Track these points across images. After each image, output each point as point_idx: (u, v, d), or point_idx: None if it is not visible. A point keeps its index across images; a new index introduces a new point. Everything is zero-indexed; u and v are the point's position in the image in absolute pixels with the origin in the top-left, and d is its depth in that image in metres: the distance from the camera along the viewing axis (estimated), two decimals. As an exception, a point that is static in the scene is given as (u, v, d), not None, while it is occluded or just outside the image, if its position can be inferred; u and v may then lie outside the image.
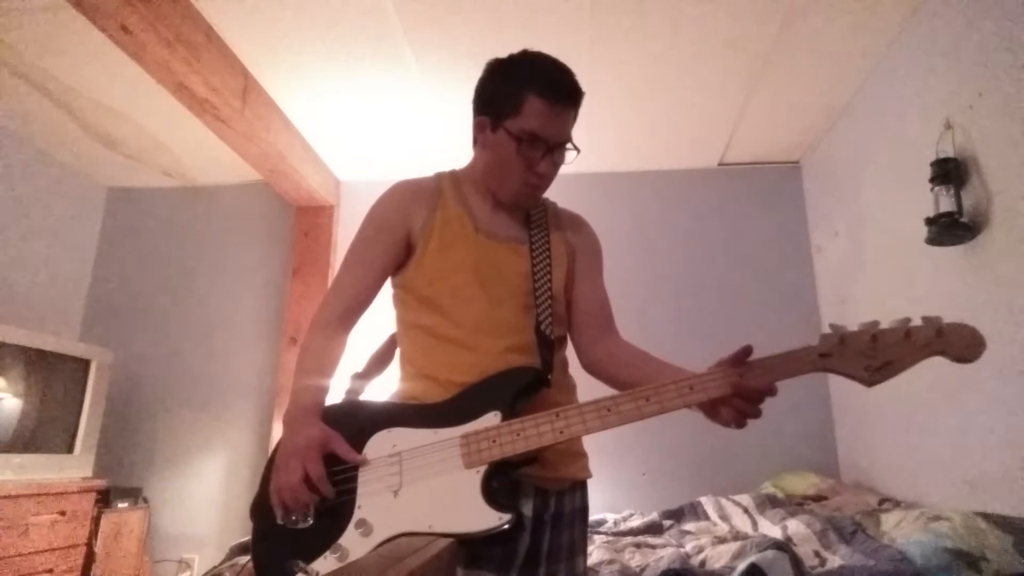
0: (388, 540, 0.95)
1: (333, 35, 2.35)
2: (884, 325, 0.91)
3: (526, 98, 1.08)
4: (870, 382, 0.91)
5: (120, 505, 2.69)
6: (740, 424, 0.95)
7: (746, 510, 2.27)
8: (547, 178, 1.15)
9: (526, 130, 1.09)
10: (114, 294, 3.39)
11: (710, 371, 0.97)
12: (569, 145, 1.14)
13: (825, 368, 0.92)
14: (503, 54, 1.17)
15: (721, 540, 1.92)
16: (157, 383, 3.24)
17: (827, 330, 0.94)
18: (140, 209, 3.52)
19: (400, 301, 1.20)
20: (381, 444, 1.03)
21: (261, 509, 1.05)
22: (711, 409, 0.98)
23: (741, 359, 0.95)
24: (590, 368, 1.21)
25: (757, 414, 0.94)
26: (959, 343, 0.87)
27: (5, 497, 2.17)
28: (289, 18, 2.26)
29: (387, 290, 1.22)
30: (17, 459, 2.38)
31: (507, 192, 1.17)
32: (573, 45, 2.38)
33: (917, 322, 0.89)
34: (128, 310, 3.36)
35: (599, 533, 2.29)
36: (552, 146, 1.11)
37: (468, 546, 0.96)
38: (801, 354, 0.93)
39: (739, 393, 0.93)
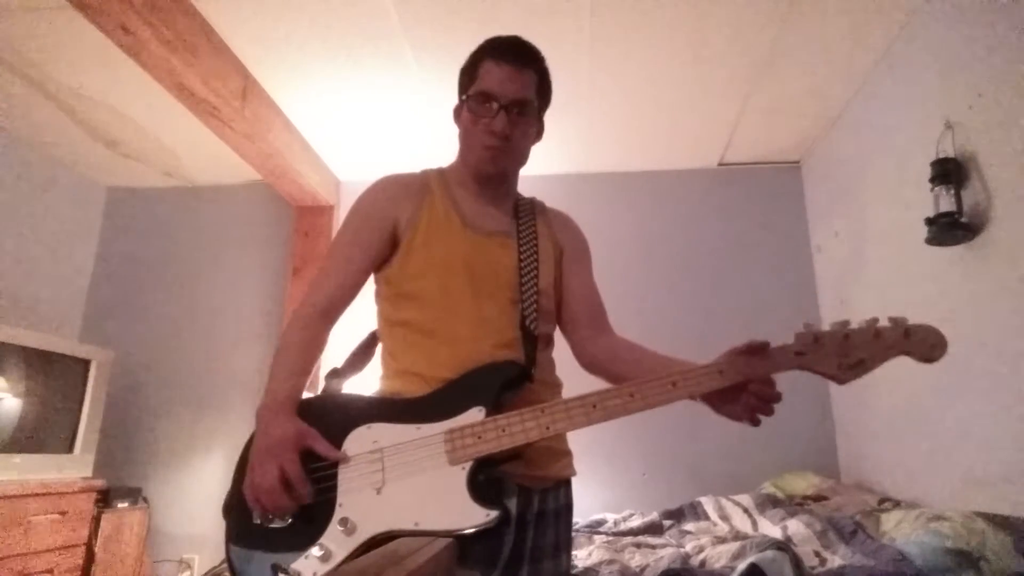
0: (372, 538, 0.93)
1: (333, 35, 2.35)
2: (854, 325, 0.93)
3: (481, 64, 1.15)
4: (843, 380, 0.93)
5: (120, 505, 2.68)
6: (755, 420, 0.94)
7: (746, 510, 2.26)
8: (504, 139, 1.13)
9: (480, 90, 1.14)
10: (114, 294, 3.39)
11: (695, 368, 0.96)
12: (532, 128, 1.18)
13: (800, 366, 0.93)
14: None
15: (721, 540, 1.91)
16: (157, 383, 3.24)
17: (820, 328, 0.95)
18: (140, 209, 3.52)
19: (383, 297, 1.19)
20: (361, 440, 1.00)
21: (235, 508, 1.00)
22: (719, 404, 0.97)
23: (755, 350, 0.94)
24: (589, 366, 1.20)
25: (771, 411, 0.94)
26: (924, 343, 0.90)
27: (5, 497, 2.17)
28: (289, 18, 2.26)
29: (370, 286, 1.20)
30: (17, 459, 2.38)
31: (472, 161, 1.18)
32: (573, 45, 2.38)
33: (885, 323, 0.92)
34: (128, 310, 3.36)
35: (599, 533, 2.29)
36: (504, 104, 1.12)
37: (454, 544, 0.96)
38: (777, 352, 0.94)
39: (754, 383, 0.93)
